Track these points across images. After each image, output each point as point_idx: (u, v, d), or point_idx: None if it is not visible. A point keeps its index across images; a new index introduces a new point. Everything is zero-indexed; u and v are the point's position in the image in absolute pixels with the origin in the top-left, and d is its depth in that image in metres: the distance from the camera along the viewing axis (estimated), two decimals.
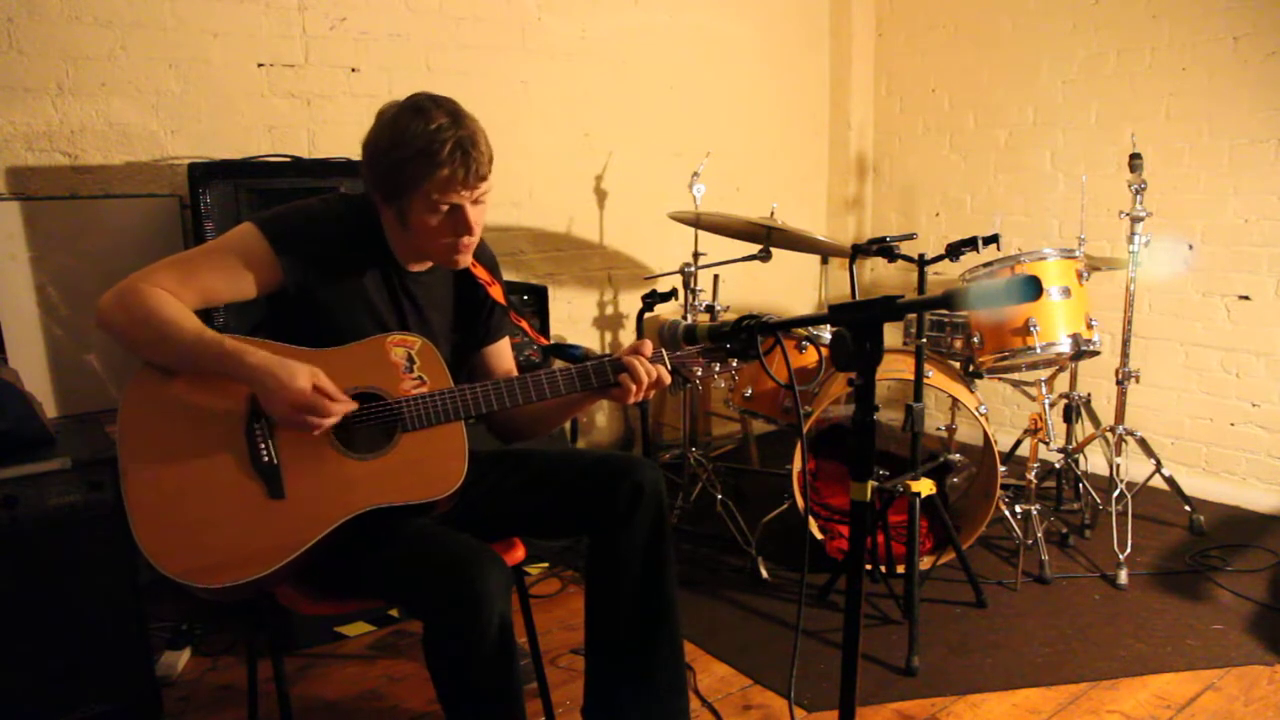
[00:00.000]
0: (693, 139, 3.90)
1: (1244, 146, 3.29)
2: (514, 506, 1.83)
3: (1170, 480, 3.13)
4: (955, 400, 2.91)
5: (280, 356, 1.50)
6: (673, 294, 2.89)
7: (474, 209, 1.61)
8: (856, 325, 1.22)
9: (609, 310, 3.88)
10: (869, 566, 2.72)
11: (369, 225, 1.69)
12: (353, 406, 1.54)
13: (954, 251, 2.61)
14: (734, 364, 1.69)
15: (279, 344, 1.58)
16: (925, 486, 2.50)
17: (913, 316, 2.80)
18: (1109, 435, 3.09)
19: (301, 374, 1.48)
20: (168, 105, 2.74)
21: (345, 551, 1.58)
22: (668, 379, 1.70)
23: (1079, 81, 3.69)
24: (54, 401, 2.57)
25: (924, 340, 2.55)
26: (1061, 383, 3.36)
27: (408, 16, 3.16)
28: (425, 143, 1.52)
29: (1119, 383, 3.07)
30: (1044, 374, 3.08)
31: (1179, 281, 3.50)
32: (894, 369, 2.87)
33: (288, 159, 2.74)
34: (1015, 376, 3.24)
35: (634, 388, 1.66)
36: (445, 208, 1.58)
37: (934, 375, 2.79)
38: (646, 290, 2.90)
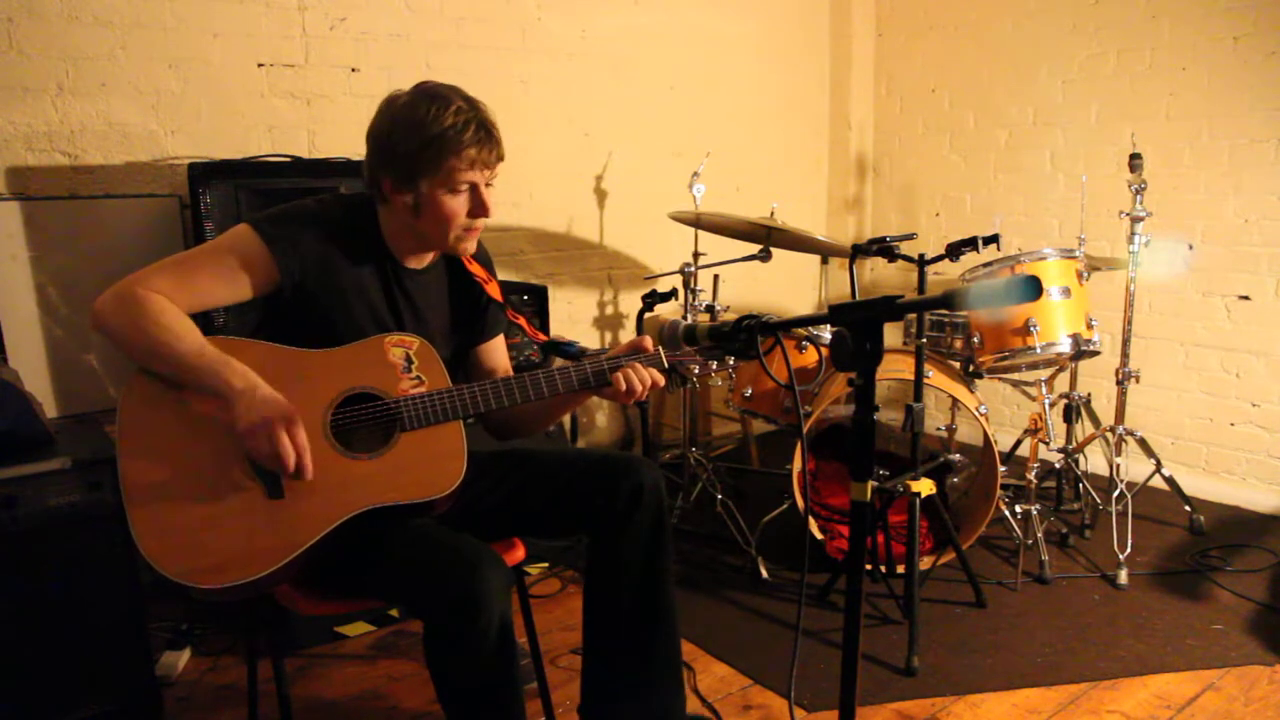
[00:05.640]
0: (693, 139, 3.90)
1: (1244, 146, 3.29)
2: (514, 506, 1.83)
3: (1170, 480, 3.13)
4: (955, 400, 2.91)
5: (274, 393, 1.47)
6: (673, 294, 2.89)
7: (487, 191, 1.65)
8: (856, 325, 1.22)
9: (609, 310, 3.88)
10: (869, 566, 2.72)
11: (366, 224, 1.69)
12: (308, 467, 1.49)
13: (954, 251, 2.61)
14: (730, 361, 1.69)
15: (278, 346, 1.58)
16: (925, 486, 2.50)
17: (913, 316, 2.80)
18: (1109, 435, 3.09)
19: (287, 408, 1.46)
20: (168, 105, 2.74)
21: (345, 551, 1.58)
22: (661, 381, 1.70)
23: (1079, 81, 3.69)
24: (54, 401, 2.57)
25: (924, 340, 2.55)
26: (1061, 383, 3.36)
27: (408, 16, 3.16)
28: (449, 124, 1.56)
29: (1119, 383, 3.07)
30: (1044, 374, 3.08)
31: (1179, 281, 3.50)
32: (894, 369, 2.86)
33: (288, 159, 2.74)
34: (1015, 376, 3.24)
35: (623, 389, 1.67)
36: (464, 188, 1.62)
37: (934, 375, 2.79)
38: (646, 290, 2.90)
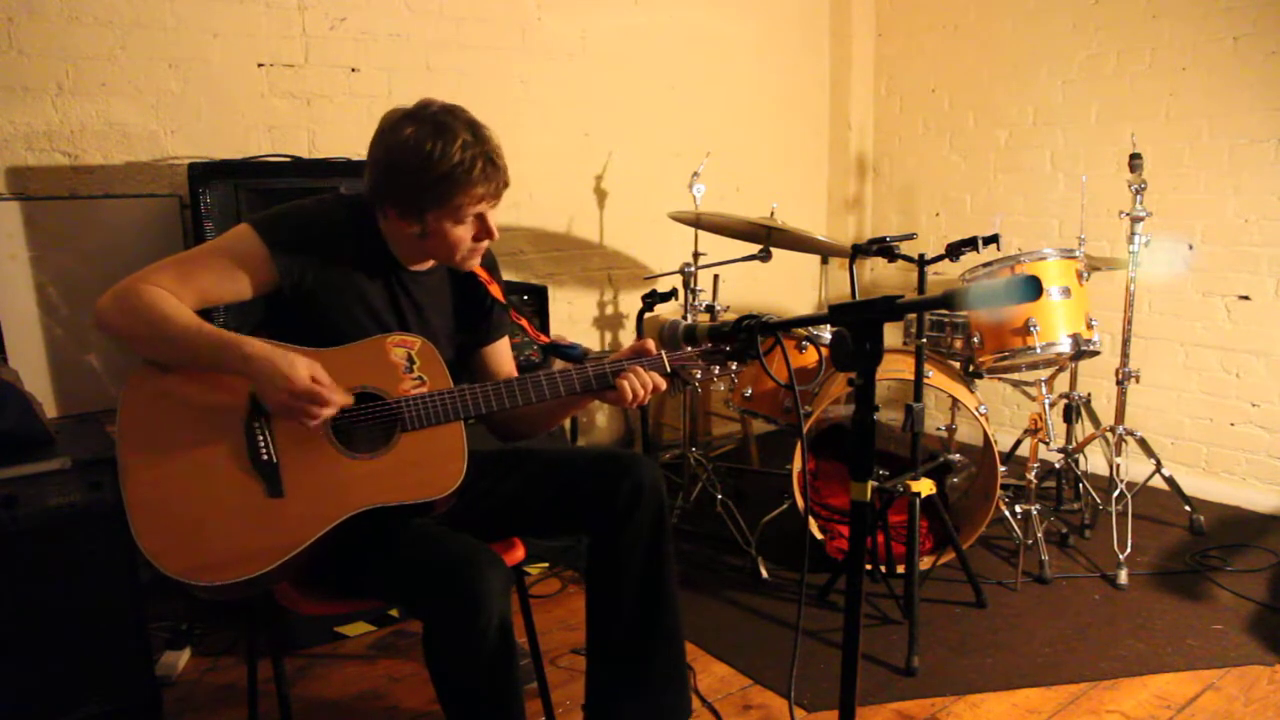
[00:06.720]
0: (693, 139, 3.89)
1: (1244, 146, 3.29)
2: (513, 506, 1.83)
3: (1170, 480, 3.13)
4: (955, 400, 2.91)
5: (279, 348, 1.51)
6: (673, 294, 2.89)
7: (491, 214, 1.66)
8: (856, 325, 1.22)
9: (609, 310, 3.88)
10: (869, 566, 2.72)
11: (367, 225, 1.69)
12: (348, 401, 1.55)
13: (954, 251, 2.61)
14: (733, 367, 1.69)
15: (278, 343, 1.58)
16: (925, 486, 2.50)
17: (913, 316, 2.80)
18: (1109, 435, 3.09)
19: (300, 364, 1.49)
20: (168, 105, 2.74)
21: (344, 551, 1.59)
22: (664, 385, 1.70)
23: (1079, 81, 3.69)
24: (54, 401, 2.57)
25: (924, 340, 2.55)
26: (1061, 383, 3.36)
27: (408, 16, 3.16)
28: (456, 162, 1.55)
29: (1119, 383, 3.07)
30: (1044, 374, 3.08)
31: (1179, 281, 3.50)
32: (894, 369, 2.86)
33: (288, 159, 2.74)
34: (1015, 376, 3.24)
35: (629, 396, 1.67)
36: (471, 218, 1.63)
37: (934, 375, 2.79)
38: (646, 290, 2.90)
